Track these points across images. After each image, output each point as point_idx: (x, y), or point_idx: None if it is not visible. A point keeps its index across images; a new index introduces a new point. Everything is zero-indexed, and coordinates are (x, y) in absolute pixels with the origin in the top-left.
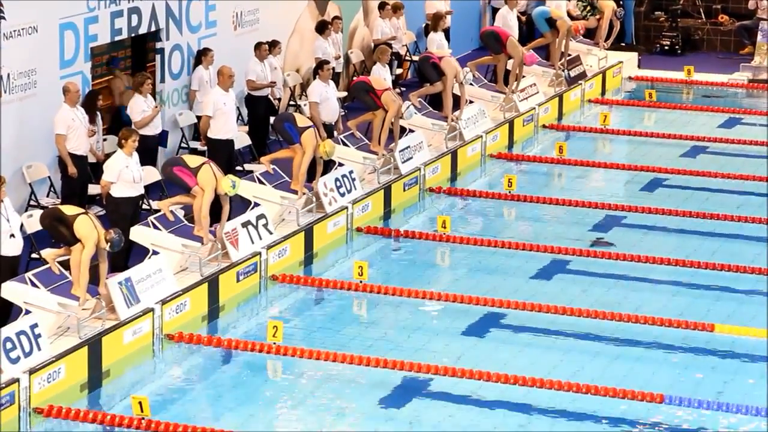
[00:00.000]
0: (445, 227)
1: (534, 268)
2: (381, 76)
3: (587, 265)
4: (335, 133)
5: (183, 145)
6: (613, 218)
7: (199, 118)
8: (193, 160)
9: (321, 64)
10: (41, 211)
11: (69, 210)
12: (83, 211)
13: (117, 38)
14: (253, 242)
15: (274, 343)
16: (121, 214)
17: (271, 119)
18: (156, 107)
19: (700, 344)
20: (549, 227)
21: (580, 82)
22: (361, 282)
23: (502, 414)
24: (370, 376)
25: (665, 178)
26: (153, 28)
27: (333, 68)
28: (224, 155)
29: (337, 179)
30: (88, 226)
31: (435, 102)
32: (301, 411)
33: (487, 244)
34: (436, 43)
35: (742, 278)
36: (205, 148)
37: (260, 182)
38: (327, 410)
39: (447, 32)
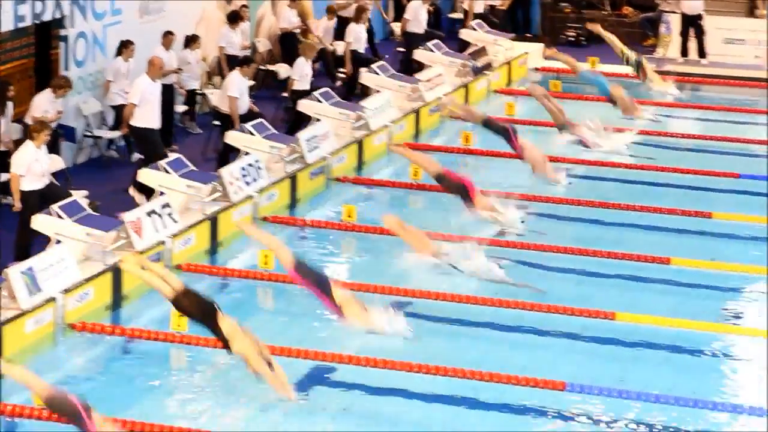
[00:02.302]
0: (350, 216)
1: (441, 255)
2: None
3: (492, 254)
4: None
5: (87, 132)
6: (519, 207)
7: (114, 107)
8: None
9: (248, 61)
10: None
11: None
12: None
13: (20, 25)
14: (157, 231)
15: (178, 333)
16: (30, 205)
17: (178, 108)
18: (59, 112)
19: (602, 332)
20: (455, 216)
21: (485, 72)
22: (266, 271)
23: (404, 403)
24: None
25: (569, 168)
26: (57, 15)
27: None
28: (147, 143)
29: (242, 168)
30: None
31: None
32: (203, 400)
33: (393, 234)
34: (354, 35)
35: (644, 267)
36: (126, 133)
37: (166, 171)
38: (229, 399)
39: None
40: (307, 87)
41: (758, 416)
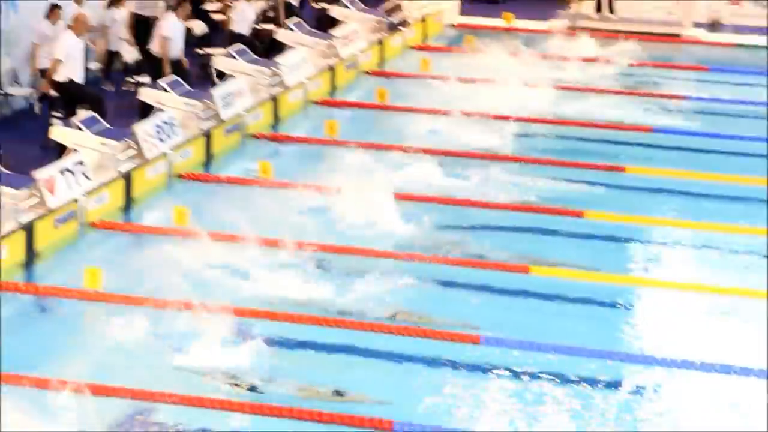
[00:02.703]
0: (266, 173)
1: (358, 213)
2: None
3: (414, 208)
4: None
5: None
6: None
7: (42, 71)
8: None
9: (181, 2)
10: None
11: None
12: None
13: None
14: (71, 189)
15: (93, 290)
16: None
17: (91, 65)
18: None
19: (517, 285)
20: (368, 171)
21: (401, 28)
22: (181, 228)
23: (322, 357)
24: (193, 320)
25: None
26: None
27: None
28: (71, 97)
29: (157, 125)
30: None
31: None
32: (118, 357)
33: (311, 189)
34: None
35: (558, 220)
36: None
37: (79, 129)
38: (146, 356)
39: None
40: (245, 32)
41: (670, 367)
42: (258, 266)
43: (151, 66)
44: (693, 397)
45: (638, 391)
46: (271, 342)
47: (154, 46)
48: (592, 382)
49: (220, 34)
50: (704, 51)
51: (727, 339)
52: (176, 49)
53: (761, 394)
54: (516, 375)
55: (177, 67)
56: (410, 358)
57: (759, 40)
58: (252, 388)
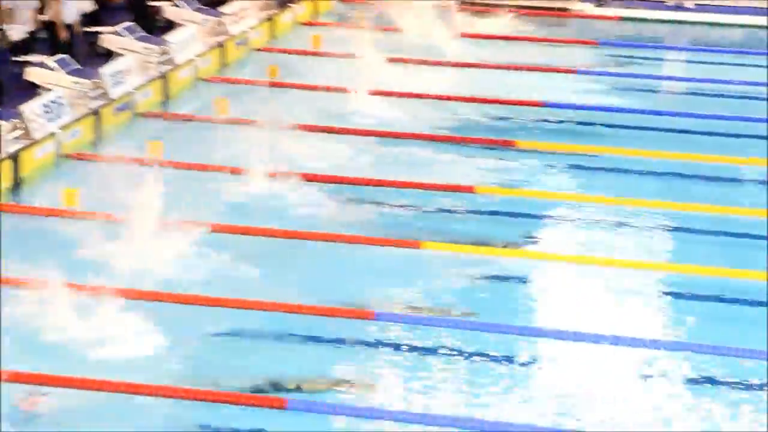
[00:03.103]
0: (156, 151)
1: (247, 190)
2: None
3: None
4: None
5: None
6: None
7: None
8: None
9: None
10: None
11: None
12: None
13: None
14: None
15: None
16: None
17: None
18: None
19: (408, 260)
20: (263, 149)
21: (291, 4)
22: (70, 209)
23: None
24: (78, 301)
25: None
26: None
27: None
28: None
29: (45, 105)
30: None
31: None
32: None
33: (198, 168)
34: None
35: (449, 195)
36: None
37: None
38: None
39: None
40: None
41: (563, 340)
42: (153, 245)
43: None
44: (584, 367)
45: (531, 362)
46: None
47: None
48: (486, 355)
49: (108, 12)
50: (592, 25)
51: (617, 311)
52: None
53: (651, 364)
54: (411, 350)
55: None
56: (306, 338)
57: (646, 13)
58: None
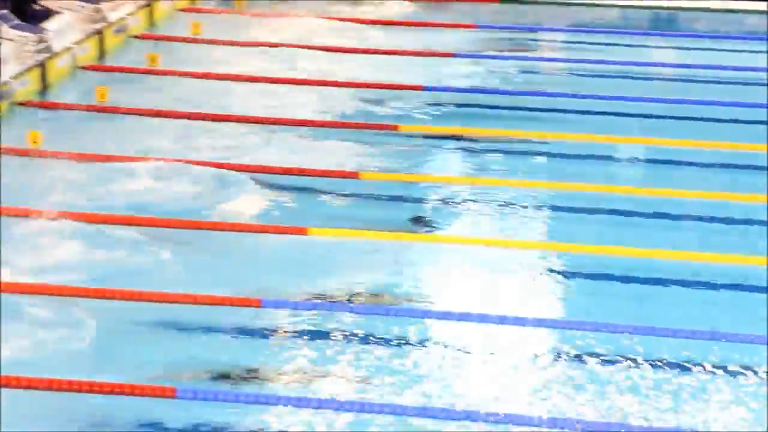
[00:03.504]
0: (36, 142)
1: (127, 179)
2: None
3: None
4: None
5: None
6: None
7: None
8: None
9: None
10: None
11: None
12: None
13: None
14: None
15: None
16: None
17: None
18: None
19: (296, 248)
20: (147, 139)
21: None
22: None
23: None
24: None
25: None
26: None
27: None
28: None
29: None
30: None
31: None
32: None
33: (81, 158)
34: None
35: (334, 182)
36: None
37: None
38: None
39: None
40: None
41: (450, 320)
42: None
43: None
44: (471, 347)
45: (419, 344)
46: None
47: None
48: (376, 338)
49: None
50: (473, 8)
51: (505, 291)
52: None
53: (536, 343)
54: (300, 335)
55: None
56: (193, 330)
57: None
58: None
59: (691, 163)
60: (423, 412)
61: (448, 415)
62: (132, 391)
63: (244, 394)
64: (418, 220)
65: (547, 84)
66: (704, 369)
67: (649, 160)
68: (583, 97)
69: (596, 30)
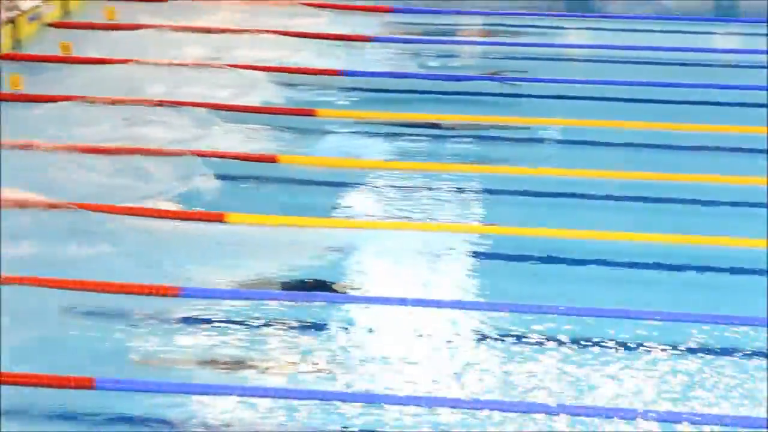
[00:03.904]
0: None
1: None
2: None
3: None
4: None
5: None
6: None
7: None
8: None
9: None
10: None
11: None
12: None
13: None
14: None
15: None
16: None
17: None
18: None
19: (215, 235)
20: (60, 128)
21: None
22: None
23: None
24: None
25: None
26: None
27: None
28: None
29: None
30: None
31: None
32: None
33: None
34: None
35: (251, 166)
36: None
37: None
38: None
39: None
40: None
41: (372, 304)
42: None
43: None
44: (396, 332)
45: (341, 329)
46: None
47: None
48: (301, 324)
49: None
50: None
51: (428, 274)
52: None
53: (456, 324)
54: (221, 323)
55: None
56: (106, 314)
57: None
58: None
59: (609, 144)
60: (349, 397)
61: (370, 399)
62: (49, 381)
63: (165, 383)
64: (339, 205)
65: (465, 68)
66: (627, 347)
67: (567, 141)
68: (501, 80)
69: (511, 12)
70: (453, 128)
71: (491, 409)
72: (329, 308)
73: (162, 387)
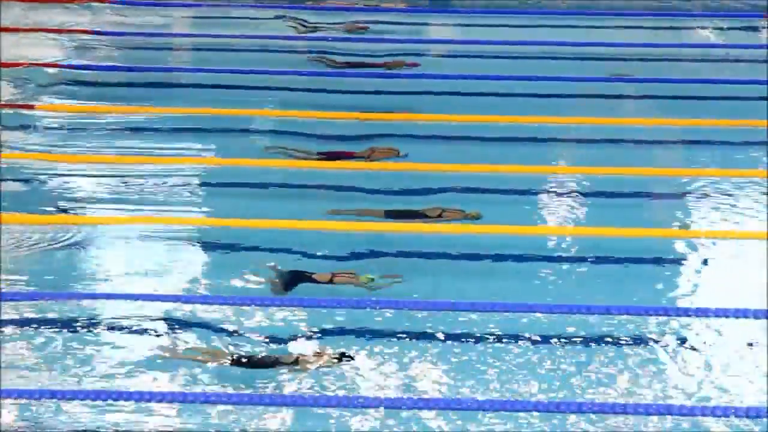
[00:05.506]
0: None
1: None
2: None
3: None
4: None
5: None
6: None
7: None
8: None
9: None
10: None
11: None
12: None
13: None
14: None
15: None
16: None
17: None
18: None
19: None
20: None
21: None
22: None
23: None
24: None
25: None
26: None
27: None
28: None
29: None
30: None
31: None
32: None
33: None
34: None
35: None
36: None
37: None
38: None
39: None
40: None
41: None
42: None
43: None
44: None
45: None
46: None
47: None
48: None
49: None
50: None
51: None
52: None
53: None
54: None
55: None
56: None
57: None
58: None
59: (481, 139)
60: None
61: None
62: None
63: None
64: (62, 206)
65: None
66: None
67: (438, 137)
68: (338, 75)
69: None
70: (245, 120)
71: None
72: (74, 304)
73: None
